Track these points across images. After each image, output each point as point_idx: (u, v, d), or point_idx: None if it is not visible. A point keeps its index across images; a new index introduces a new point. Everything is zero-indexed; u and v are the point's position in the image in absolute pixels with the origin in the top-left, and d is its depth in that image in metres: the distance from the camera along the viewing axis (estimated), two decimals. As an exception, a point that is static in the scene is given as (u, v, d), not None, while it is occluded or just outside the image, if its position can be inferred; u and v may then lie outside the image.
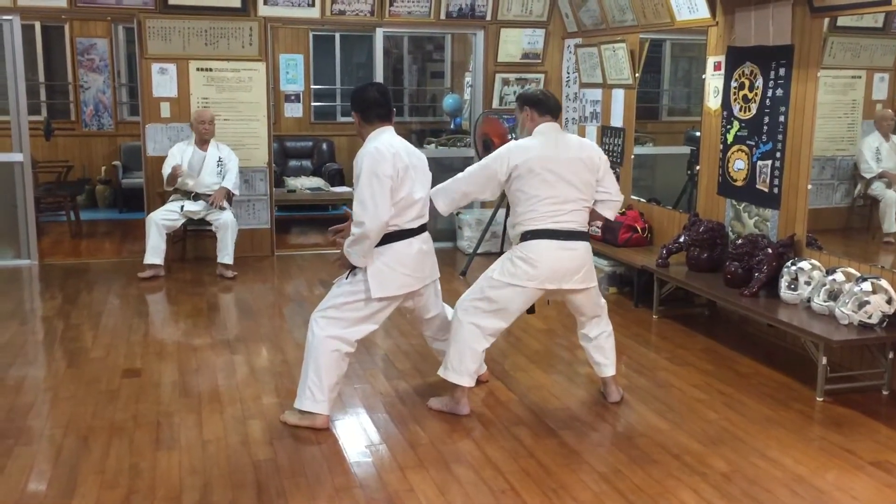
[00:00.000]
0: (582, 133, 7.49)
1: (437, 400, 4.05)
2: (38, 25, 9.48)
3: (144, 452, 3.52)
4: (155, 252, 6.52)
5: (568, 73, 7.71)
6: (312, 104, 10.52)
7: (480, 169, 3.97)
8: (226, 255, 6.64)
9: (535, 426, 3.84)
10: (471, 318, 3.92)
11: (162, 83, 6.98)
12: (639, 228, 6.29)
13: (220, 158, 6.76)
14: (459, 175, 4.03)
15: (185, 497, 3.15)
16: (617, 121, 6.88)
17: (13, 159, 6.86)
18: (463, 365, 3.88)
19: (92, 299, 6.05)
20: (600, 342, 4.14)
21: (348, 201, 9.51)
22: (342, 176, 10.00)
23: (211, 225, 6.71)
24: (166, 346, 5.01)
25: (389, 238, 3.71)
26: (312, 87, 10.47)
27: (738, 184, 5.39)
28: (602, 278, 6.33)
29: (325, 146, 10.28)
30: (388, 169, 3.59)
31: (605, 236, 6.38)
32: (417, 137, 10.64)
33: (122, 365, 4.62)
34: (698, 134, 5.98)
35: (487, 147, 6.95)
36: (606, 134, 7.04)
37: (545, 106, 4.00)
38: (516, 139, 6.80)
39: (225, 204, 6.71)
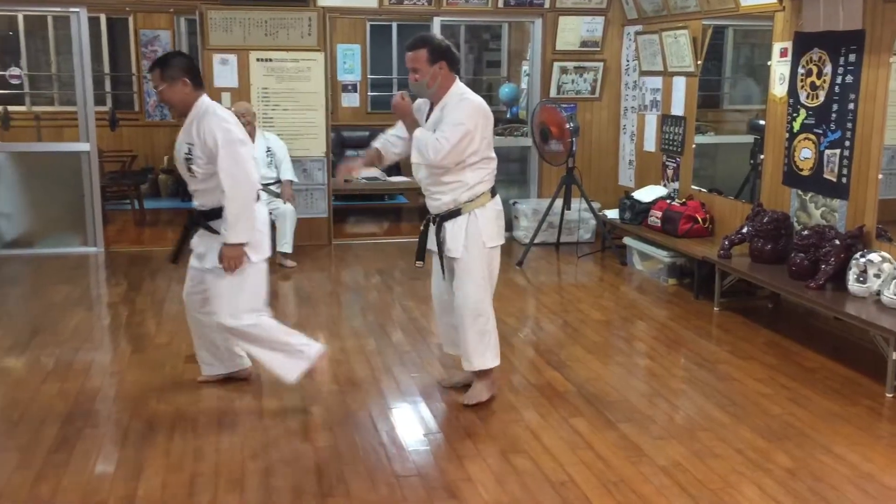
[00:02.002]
0: (641, 122, 7.38)
1: (478, 390, 3.95)
2: (103, 18, 9.69)
3: (207, 436, 3.59)
4: (217, 240, 6.62)
5: (627, 60, 7.60)
6: (369, 94, 10.57)
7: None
8: (285, 243, 6.71)
9: (593, 418, 3.80)
10: (483, 300, 3.84)
11: (223, 73, 7.08)
12: (699, 219, 6.18)
13: (268, 148, 6.81)
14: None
15: (247, 481, 3.20)
16: (678, 109, 6.75)
17: (80, 149, 7.04)
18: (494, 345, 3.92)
19: (155, 286, 6.18)
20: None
21: (404, 191, 9.61)
22: (398, 165, 10.02)
23: (271, 214, 6.78)
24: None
25: None
26: (369, 76, 10.52)
27: (805, 173, 5.25)
28: (661, 269, 6.25)
29: (381, 136, 10.33)
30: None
31: (665, 227, 6.28)
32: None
33: (185, 351, 4.70)
34: (762, 123, 5.84)
35: (545, 136, 6.90)
36: (667, 122, 6.92)
37: (458, 60, 3.81)
38: (574, 128, 6.81)
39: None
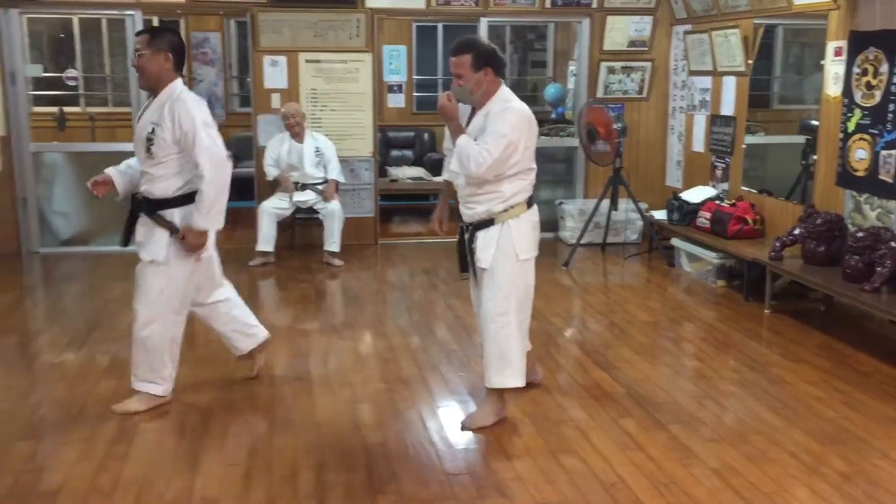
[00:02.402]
0: (690, 122, 7.32)
1: (482, 414, 3.73)
2: (155, 20, 9.87)
3: (261, 432, 3.66)
4: (266, 240, 6.74)
5: (676, 60, 7.54)
6: (414, 94, 10.62)
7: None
8: (332, 242, 6.79)
9: (642, 419, 3.79)
10: (507, 314, 3.63)
11: (273, 75, 7.18)
12: (749, 220, 6.10)
13: (317, 149, 6.88)
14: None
15: (300, 476, 3.25)
16: (727, 109, 6.68)
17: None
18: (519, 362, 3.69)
19: (207, 284, 6.28)
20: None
21: (449, 191, 9.61)
22: (442, 166, 10.06)
23: (319, 213, 6.88)
24: (278, 331, 5.15)
25: None
26: (414, 77, 10.57)
27: (860, 174, 5.17)
28: (710, 271, 6.19)
29: (426, 136, 10.38)
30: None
31: (714, 228, 6.22)
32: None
33: (237, 347, 4.79)
34: (815, 123, 5.75)
35: (592, 136, 6.88)
36: (716, 123, 6.85)
37: (503, 65, 3.66)
38: (622, 128, 6.77)
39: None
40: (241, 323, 4.18)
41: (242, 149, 9.72)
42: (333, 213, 6.78)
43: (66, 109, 9.11)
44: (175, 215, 3.68)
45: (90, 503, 3.04)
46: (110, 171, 3.85)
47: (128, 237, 3.86)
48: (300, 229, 7.48)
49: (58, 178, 7.22)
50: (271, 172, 6.87)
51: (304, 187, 6.85)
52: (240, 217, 8.90)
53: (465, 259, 3.79)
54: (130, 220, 3.81)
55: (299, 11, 7.06)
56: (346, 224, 6.96)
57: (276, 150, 6.86)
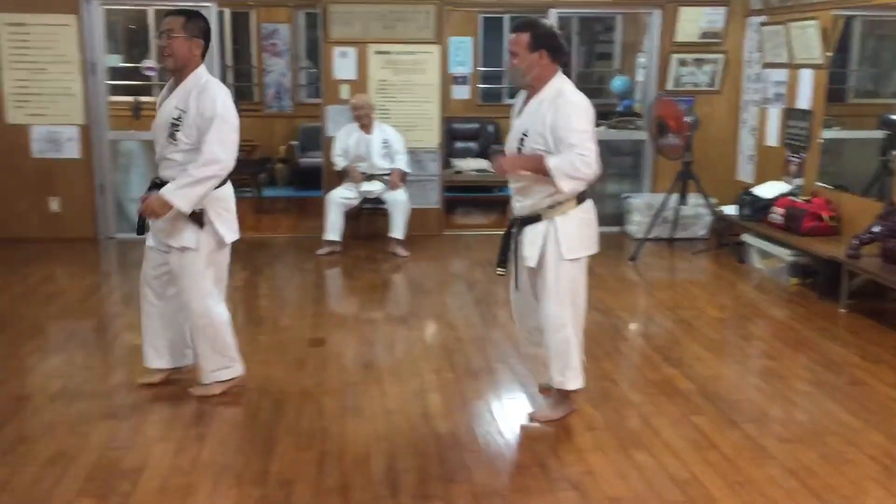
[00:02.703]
0: (763, 116, 7.16)
1: (545, 409, 3.74)
2: (227, 12, 10.07)
3: (333, 418, 3.72)
4: (334, 229, 6.82)
5: (750, 52, 7.38)
6: (479, 86, 10.61)
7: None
8: (397, 230, 6.84)
9: (715, 417, 3.74)
10: (561, 315, 3.54)
11: (342, 66, 7.25)
12: (825, 217, 5.95)
13: (385, 140, 6.93)
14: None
15: (373, 462, 3.30)
16: (803, 103, 6.52)
17: (207, 138, 7.34)
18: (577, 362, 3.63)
19: (276, 272, 6.41)
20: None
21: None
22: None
23: (385, 203, 6.93)
24: (346, 319, 5.24)
25: None
26: (480, 69, 10.56)
27: (944, 171, 5.00)
28: (783, 268, 6.06)
29: (490, 128, 10.36)
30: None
31: (788, 224, 6.08)
32: (584, 120, 10.51)
33: (308, 335, 4.87)
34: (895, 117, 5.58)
35: (662, 130, 6.79)
36: (791, 117, 6.69)
37: (563, 52, 3.47)
38: (693, 121, 6.66)
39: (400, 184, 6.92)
40: (181, 336, 4.00)
41: (310, 139, 9.86)
42: (399, 203, 6.83)
43: (141, 99, 9.34)
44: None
45: (171, 482, 3.13)
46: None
47: (143, 225, 3.80)
48: (366, 219, 7.55)
49: (133, 165, 7.42)
50: (339, 163, 6.94)
51: (371, 178, 6.91)
52: (307, 206, 9.07)
53: (505, 253, 3.66)
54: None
55: (370, 3, 7.11)
56: (411, 215, 6.99)
57: (345, 140, 6.94)
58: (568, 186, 3.33)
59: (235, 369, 3.93)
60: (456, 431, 3.59)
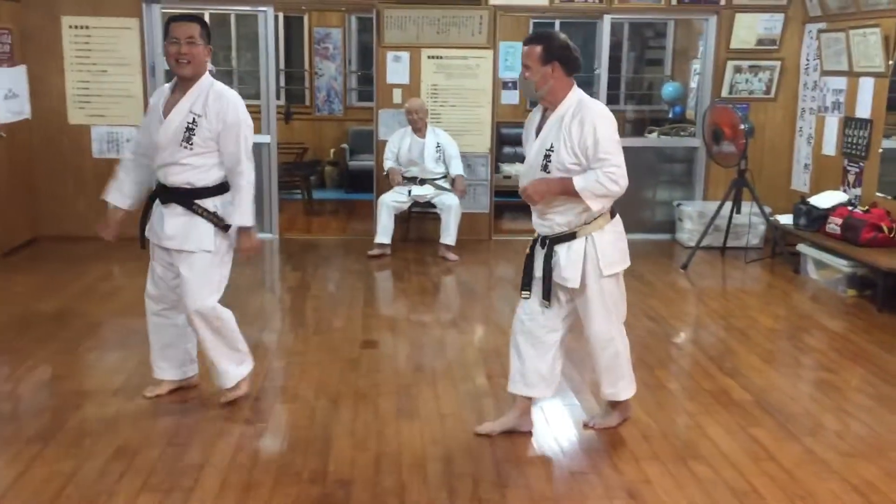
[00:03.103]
0: (821, 124, 7.05)
1: (600, 417, 3.75)
2: (280, 16, 10.20)
3: (388, 420, 3.74)
4: (384, 232, 6.87)
5: (808, 59, 7.27)
6: (529, 91, 10.59)
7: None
8: (448, 236, 6.86)
9: (774, 429, 3.69)
10: (609, 330, 3.52)
11: (395, 70, 7.31)
12: (885, 228, 5.83)
13: (438, 144, 6.97)
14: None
15: (429, 465, 3.31)
16: (863, 111, 6.40)
17: (262, 140, 7.44)
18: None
19: (327, 273, 6.48)
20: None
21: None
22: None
23: (436, 207, 6.96)
24: (398, 322, 5.27)
25: None
26: (530, 74, 10.53)
27: None
28: (840, 279, 5.95)
29: (539, 133, 10.34)
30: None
31: (846, 234, 5.98)
32: (633, 126, 10.45)
33: (361, 336, 4.91)
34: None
35: (717, 137, 6.72)
36: (850, 126, 6.58)
37: (577, 64, 3.37)
38: (749, 129, 6.58)
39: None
40: (185, 350, 3.97)
41: (360, 142, 9.94)
42: (451, 208, 6.85)
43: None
44: (212, 204, 3.65)
45: (231, 479, 3.18)
46: (113, 201, 3.79)
47: (143, 233, 3.79)
48: (415, 223, 7.59)
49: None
50: (386, 165, 7.00)
51: (423, 182, 6.95)
52: (356, 209, 9.15)
53: (530, 276, 3.54)
54: (146, 214, 3.78)
55: (424, 8, 7.16)
56: (461, 219, 7.02)
57: (397, 144, 6.98)
58: (598, 205, 3.30)
59: (250, 362, 3.94)
60: (511, 437, 3.59)
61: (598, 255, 3.37)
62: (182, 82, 3.59)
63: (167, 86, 3.69)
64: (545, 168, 3.35)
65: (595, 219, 3.36)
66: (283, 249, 7.30)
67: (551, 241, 3.42)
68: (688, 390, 4.16)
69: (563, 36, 3.38)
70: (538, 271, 3.48)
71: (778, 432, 3.66)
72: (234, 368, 3.85)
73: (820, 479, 3.23)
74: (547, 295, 3.45)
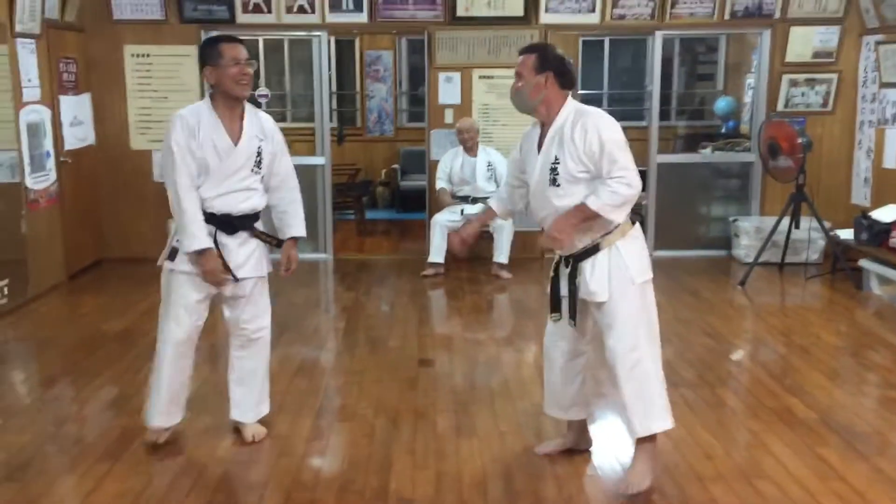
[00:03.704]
0: (881, 137, 6.91)
1: (640, 471, 3.26)
2: (332, 40, 10.37)
3: (447, 437, 3.75)
4: (438, 252, 6.91)
5: (866, 72, 7.14)
6: (579, 109, 10.58)
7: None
8: (502, 254, 6.88)
9: (841, 448, 3.61)
10: (638, 347, 3.21)
11: (447, 91, 7.38)
12: (950, 241, 5.69)
13: (489, 163, 7.00)
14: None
15: (489, 483, 3.31)
16: (925, 123, 6.27)
17: (317, 162, 7.58)
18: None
19: (382, 292, 6.53)
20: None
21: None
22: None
23: (489, 227, 6.98)
24: (453, 340, 5.29)
25: None
26: (580, 91, 10.54)
27: None
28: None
29: (590, 150, 10.31)
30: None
31: (910, 249, 5.84)
32: (685, 142, 10.35)
33: (417, 355, 4.94)
34: None
35: (774, 152, 6.63)
36: (911, 137, 6.44)
37: (571, 78, 3.25)
38: (806, 143, 6.47)
39: None
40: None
41: (411, 163, 10.04)
42: (503, 227, 6.86)
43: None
44: (261, 226, 3.66)
45: (294, 497, 3.22)
46: (208, 243, 3.43)
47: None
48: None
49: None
50: (438, 185, 7.06)
51: (475, 201, 6.98)
52: (407, 229, 9.21)
53: (557, 297, 3.36)
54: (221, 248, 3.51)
55: (475, 29, 7.22)
56: (514, 237, 7.02)
57: (449, 164, 7.04)
58: (619, 216, 3.12)
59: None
60: (570, 454, 3.57)
61: (627, 264, 3.17)
62: (230, 105, 3.45)
63: (204, 110, 3.44)
64: (554, 182, 3.18)
65: (618, 226, 3.17)
66: (337, 269, 7.38)
67: (575, 259, 3.24)
68: (750, 408, 4.09)
69: (559, 49, 3.32)
70: (564, 290, 3.32)
71: (845, 451, 3.58)
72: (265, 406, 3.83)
73: (891, 500, 3.15)
74: (573, 314, 3.30)
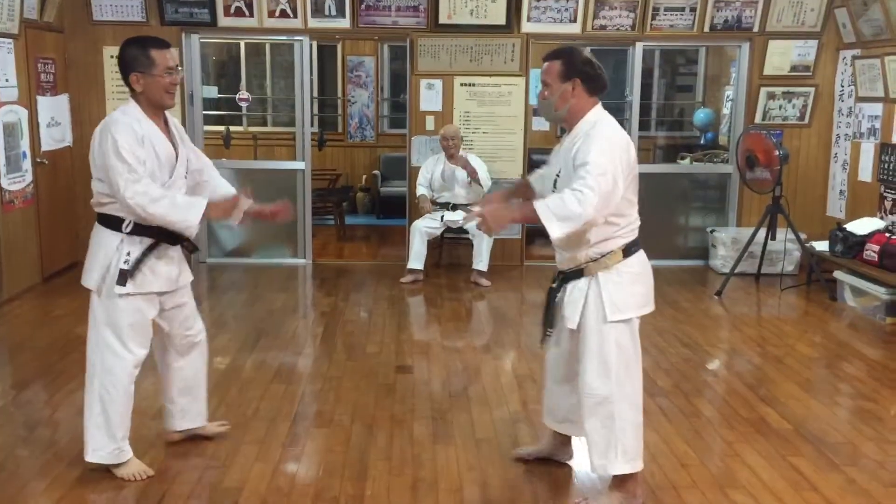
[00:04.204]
0: (856, 150, 7.00)
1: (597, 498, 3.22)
2: (314, 45, 10.35)
3: (424, 444, 3.75)
4: (417, 258, 6.90)
5: (842, 86, 7.24)
6: (560, 118, 10.63)
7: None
8: (481, 262, 6.89)
9: (814, 458, 3.64)
10: (605, 386, 3.08)
11: (428, 98, 7.38)
12: (924, 255, 5.76)
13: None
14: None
15: (465, 491, 3.31)
16: (900, 137, 6.36)
17: (297, 167, 7.56)
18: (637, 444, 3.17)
19: (361, 298, 6.51)
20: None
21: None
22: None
23: (468, 233, 6.99)
24: (431, 347, 5.28)
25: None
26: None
27: None
28: (878, 307, 5.88)
29: (570, 159, 10.36)
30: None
31: (883, 262, 5.91)
32: (664, 153, 10.44)
33: (395, 361, 4.93)
34: None
35: (751, 163, 6.70)
36: (886, 151, 6.52)
37: (601, 83, 3.07)
38: (783, 155, 6.54)
39: None
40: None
41: (392, 169, 10.03)
42: (483, 235, 6.87)
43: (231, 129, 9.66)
44: None
45: (271, 502, 3.20)
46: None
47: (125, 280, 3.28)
48: (447, 248, 7.62)
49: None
50: (418, 191, 7.06)
51: (454, 207, 6.99)
52: (387, 235, 9.21)
53: (550, 310, 3.24)
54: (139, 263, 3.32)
55: (457, 36, 7.24)
56: (493, 245, 7.03)
57: (430, 170, 7.05)
58: (558, 230, 2.84)
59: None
60: (547, 464, 3.57)
61: (604, 299, 3.01)
62: (157, 112, 3.25)
63: (141, 117, 3.18)
64: (553, 192, 3.06)
65: (604, 255, 3.03)
66: (316, 274, 7.35)
67: (564, 277, 3.16)
68: (725, 418, 4.12)
69: (586, 51, 3.10)
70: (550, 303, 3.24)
71: (819, 461, 3.61)
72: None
73: (863, 510, 3.18)
74: (545, 330, 3.24)
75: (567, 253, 3.10)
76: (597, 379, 3.05)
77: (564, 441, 3.56)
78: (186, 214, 3.17)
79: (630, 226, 3.09)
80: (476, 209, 3.07)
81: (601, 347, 3.04)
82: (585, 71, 3.01)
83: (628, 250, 3.07)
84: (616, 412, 3.05)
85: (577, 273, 3.08)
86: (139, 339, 3.32)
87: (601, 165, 2.86)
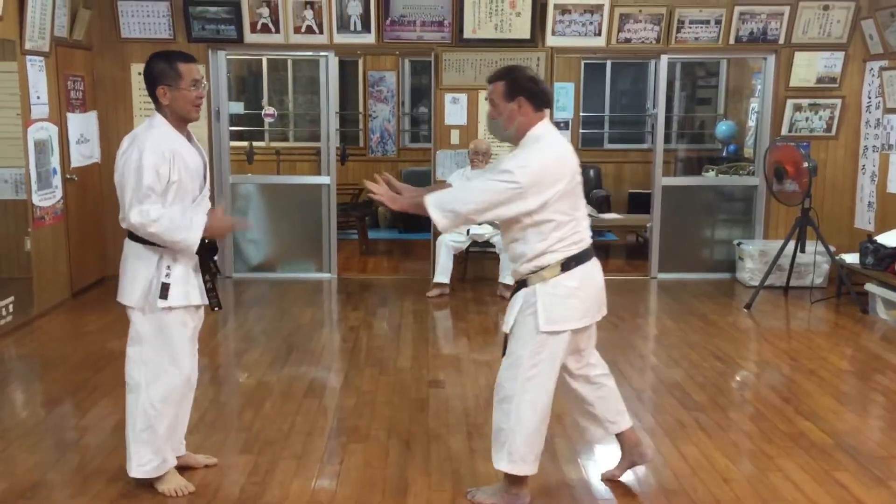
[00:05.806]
0: (885, 162, 6.96)
1: (485, 492, 3.34)
2: (336, 60, 10.40)
3: (462, 459, 3.73)
4: (444, 272, 6.90)
5: (869, 97, 7.20)
6: (581, 131, 10.64)
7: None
8: (507, 275, 6.86)
9: (858, 473, 3.59)
10: (510, 387, 3.18)
11: (453, 112, 7.40)
12: (957, 266, 5.71)
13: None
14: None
15: (507, 507, 3.28)
16: (930, 148, 6.31)
17: (322, 182, 7.58)
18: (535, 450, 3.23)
19: (387, 312, 6.50)
20: (604, 383, 3.45)
21: (616, 227, 9.55)
22: (609, 202, 10.02)
23: (494, 246, 6.98)
24: (461, 361, 5.27)
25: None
26: (581, 114, 10.60)
27: None
28: (912, 319, 5.82)
29: (591, 173, 10.34)
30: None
31: (916, 274, 5.86)
32: (685, 165, 10.42)
33: (426, 376, 4.92)
34: None
35: (780, 176, 6.66)
36: (916, 163, 6.48)
37: (545, 98, 3.15)
38: (812, 167, 6.50)
39: None
40: None
41: (413, 183, 9.97)
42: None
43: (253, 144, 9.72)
44: None
45: (311, 518, 3.19)
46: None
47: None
48: (473, 262, 7.61)
49: (250, 207, 7.68)
50: None
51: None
52: (409, 249, 9.21)
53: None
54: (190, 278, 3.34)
55: (482, 51, 7.25)
56: (519, 258, 7.01)
57: (457, 184, 7.03)
58: (441, 219, 3.02)
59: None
60: (587, 478, 3.55)
61: (538, 308, 3.07)
62: (181, 125, 3.26)
63: (170, 131, 3.20)
64: None
65: (542, 269, 3.06)
66: (342, 289, 7.36)
67: (517, 287, 3.21)
68: (764, 432, 4.07)
69: (528, 69, 3.23)
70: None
71: (863, 476, 3.56)
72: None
73: (913, 526, 3.13)
74: (504, 340, 3.26)
75: (512, 263, 3.22)
76: (507, 376, 3.18)
77: (631, 440, 3.51)
78: (187, 234, 3.16)
79: (567, 240, 3.09)
80: (379, 188, 3.16)
81: (521, 351, 3.13)
82: (529, 88, 3.09)
83: (567, 265, 3.09)
84: (514, 412, 3.14)
85: (523, 283, 3.17)
86: (188, 351, 3.32)
87: (511, 173, 2.96)
